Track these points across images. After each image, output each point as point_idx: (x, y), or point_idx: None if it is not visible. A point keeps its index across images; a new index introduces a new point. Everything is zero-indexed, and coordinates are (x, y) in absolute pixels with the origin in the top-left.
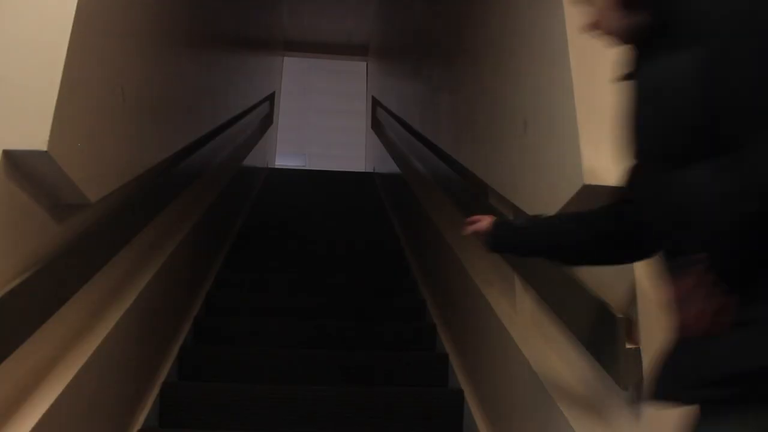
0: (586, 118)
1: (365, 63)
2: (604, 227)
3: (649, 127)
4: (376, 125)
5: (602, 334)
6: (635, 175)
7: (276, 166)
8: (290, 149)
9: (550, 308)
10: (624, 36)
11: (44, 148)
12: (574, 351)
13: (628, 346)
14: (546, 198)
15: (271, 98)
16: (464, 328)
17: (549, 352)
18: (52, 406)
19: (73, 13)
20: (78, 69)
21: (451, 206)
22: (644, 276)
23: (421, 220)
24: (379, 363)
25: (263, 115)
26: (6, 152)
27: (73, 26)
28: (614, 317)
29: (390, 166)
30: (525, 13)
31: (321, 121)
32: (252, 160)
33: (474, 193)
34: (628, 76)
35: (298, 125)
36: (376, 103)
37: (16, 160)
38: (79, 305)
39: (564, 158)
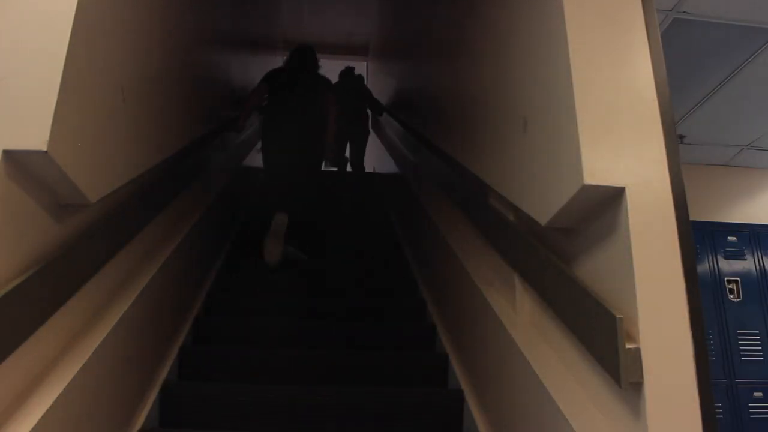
0: (586, 117)
1: (365, 63)
2: None
3: None
4: (376, 125)
5: (602, 334)
6: None
7: None
8: None
9: (550, 308)
10: None
11: (44, 148)
12: (574, 351)
13: (628, 346)
14: (546, 197)
15: None
16: (464, 329)
17: (549, 352)
18: (52, 406)
19: (73, 13)
20: (78, 69)
21: (451, 206)
22: (644, 276)
23: (421, 221)
24: (379, 363)
25: None
26: (6, 152)
27: (73, 26)
28: (614, 317)
29: (390, 166)
30: (525, 11)
31: None
32: (252, 159)
33: (474, 193)
34: None
35: None
36: None
37: (16, 160)
38: (80, 305)
39: (564, 158)
